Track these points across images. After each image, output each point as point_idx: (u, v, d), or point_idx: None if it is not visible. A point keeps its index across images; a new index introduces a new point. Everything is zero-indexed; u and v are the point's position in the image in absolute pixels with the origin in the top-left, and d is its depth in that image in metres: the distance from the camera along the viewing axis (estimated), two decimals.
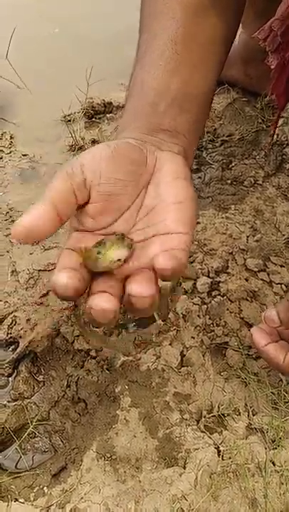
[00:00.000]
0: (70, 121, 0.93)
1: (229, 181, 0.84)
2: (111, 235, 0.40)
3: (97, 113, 0.95)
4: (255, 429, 0.55)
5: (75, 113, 0.94)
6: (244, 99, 0.95)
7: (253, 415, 0.56)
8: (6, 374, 0.58)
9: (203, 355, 0.60)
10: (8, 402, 0.57)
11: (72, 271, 0.35)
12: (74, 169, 0.39)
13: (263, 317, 0.49)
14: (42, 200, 0.36)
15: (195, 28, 0.47)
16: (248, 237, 0.73)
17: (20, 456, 0.54)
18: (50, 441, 0.55)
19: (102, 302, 0.35)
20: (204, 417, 0.55)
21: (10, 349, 0.60)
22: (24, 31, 1.02)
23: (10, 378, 0.58)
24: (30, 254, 0.70)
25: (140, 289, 0.35)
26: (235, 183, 0.83)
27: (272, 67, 0.52)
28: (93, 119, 0.95)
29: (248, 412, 0.56)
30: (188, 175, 0.44)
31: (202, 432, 0.54)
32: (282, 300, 0.48)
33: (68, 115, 0.94)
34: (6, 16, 1.24)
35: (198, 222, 0.76)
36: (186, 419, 0.55)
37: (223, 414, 0.56)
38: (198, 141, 0.49)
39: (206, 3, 0.47)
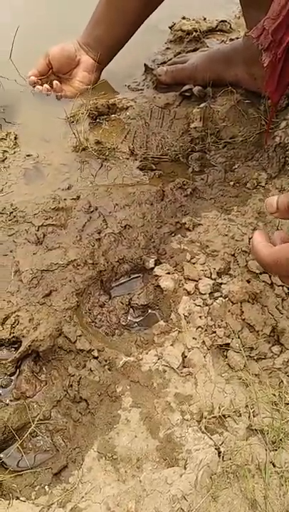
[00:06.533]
0: (74, 121, 0.94)
1: (232, 183, 0.84)
2: None
3: (101, 114, 0.95)
4: (256, 430, 0.55)
5: (79, 114, 0.94)
6: (247, 101, 0.95)
7: (254, 416, 0.56)
8: (8, 373, 0.59)
9: (204, 356, 0.61)
10: (11, 401, 0.57)
11: None
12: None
13: (265, 203, 0.51)
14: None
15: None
16: (250, 238, 0.73)
17: (22, 455, 0.54)
18: (52, 440, 0.55)
19: None
20: (205, 417, 0.55)
21: (12, 348, 0.61)
22: (27, 31, 1.02)
23: (12, 377, 0.59)
24: (34, 254, 0.70)
25: None
26: (238, 184, 0.84)
27: (264, 64, 0.55)
28: (97, 120, 0.95)
29: (249, 414, 0.56)
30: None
31: (203, 432, 0.54)
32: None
33: (72, 116, 0.94)
34: (9, 15, 1.25)
35: (200, 224, 0.76)
36: (187, 420, 0.56)
37: (223, 415, 0.56)
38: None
39: None
